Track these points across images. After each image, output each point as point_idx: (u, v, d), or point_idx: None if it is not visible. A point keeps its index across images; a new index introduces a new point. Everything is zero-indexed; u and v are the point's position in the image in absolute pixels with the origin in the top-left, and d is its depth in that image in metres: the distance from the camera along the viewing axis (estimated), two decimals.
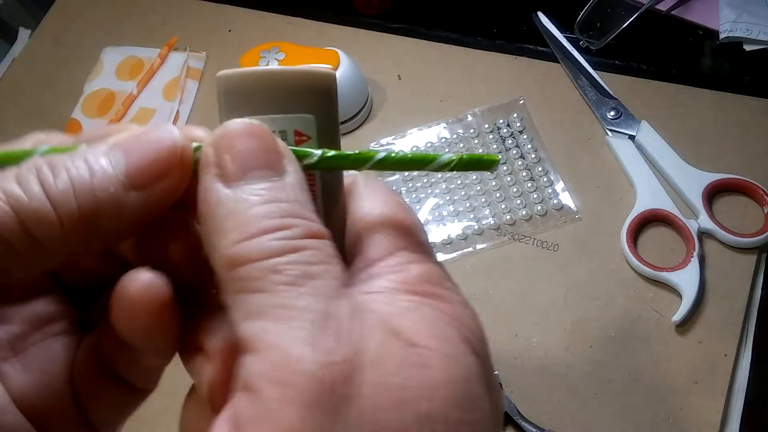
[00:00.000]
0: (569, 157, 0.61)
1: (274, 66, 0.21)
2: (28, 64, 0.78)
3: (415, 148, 0.63)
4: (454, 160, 0.21)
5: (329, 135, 0.22)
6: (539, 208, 0.58)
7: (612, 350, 0.52)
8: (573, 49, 0.65)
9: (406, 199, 0.61)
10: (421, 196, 0.61)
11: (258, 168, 0.19)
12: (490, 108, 0.64)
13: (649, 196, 0.56)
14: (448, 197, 0.60)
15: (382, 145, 0.64)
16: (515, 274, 0.56)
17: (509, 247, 0.57)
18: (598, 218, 0.57)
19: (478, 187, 0.60)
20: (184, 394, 0.23)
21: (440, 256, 0.57)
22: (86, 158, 0.19)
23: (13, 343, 0.22)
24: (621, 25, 0.64)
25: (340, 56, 0.63)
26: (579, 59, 0.64)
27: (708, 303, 0.52)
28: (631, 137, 0.60)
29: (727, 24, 0.64)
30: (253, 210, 0.19)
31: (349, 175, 0.24)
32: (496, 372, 0.52)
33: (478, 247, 0.58)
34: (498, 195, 0.59)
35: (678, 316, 0.51)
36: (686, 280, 0.52)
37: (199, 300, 0.22)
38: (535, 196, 0.59)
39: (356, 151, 0.21)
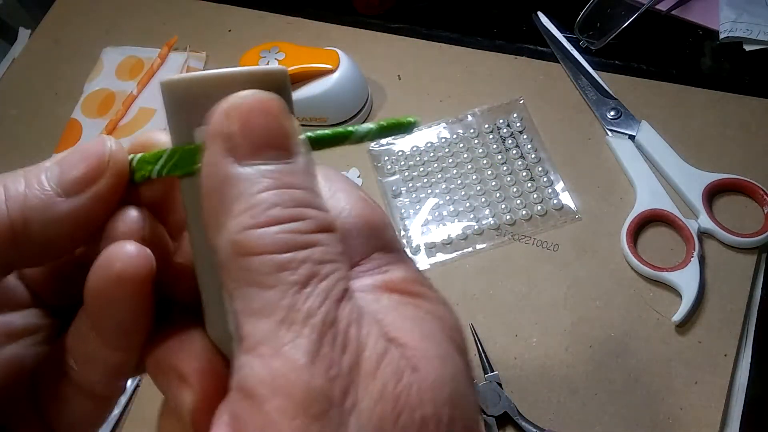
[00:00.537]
0: (569, 157, 0.61)
1: (220, 70, 0.20)
2: (28, 64, 0.78)
3: (415, 148, 0.63)
4: (373, 128, 0.21)
5: None
6: (539, 208, 0.58)
7: (612, 350, 0.52)
8: (573, 49, 0.65)
9: (406, 200, 0.61)
10: (421, 196, 0.61)
11: (271, 148, 0.18)
12: (490, 108, 0.64)
13: (649, 196, 0.56)
14: (448, 197, 0.60)
15: (382, 145, 0.64)
16: (515, 274, 0.56)
17: (509, 247, 0.57)
18: (598, 218, 0.57)
19: (478, 187, 0.60)
20: None
21: (440, 256, 0.57)
22: (25, 174, 0.20)
23: None
24: (621, 25, 0.64)
25: (340, 56, 0.63)
26: (579, 59, 0.64)
27: (708, 303, 0.52)
28: (631, 137, 0.60)
29: (727, 24, 0.64)
30: (266, 195, 0.18)
31: None
32: (496, 372, 0.52)
33: (478, 247, 0.58)
34: (498, 195, 0.59)
35: (678, 316, 0.51)
36: (686, 280, 0.52)
37: (169, 315, 0.21)
38: (535, 196, 0.59)
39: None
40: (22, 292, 0.24)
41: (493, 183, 0.60)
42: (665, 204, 0.56)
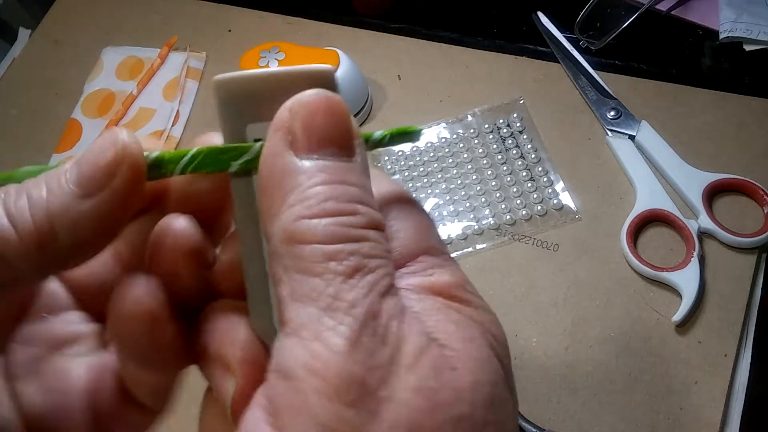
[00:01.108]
0: (569, 157, 0.61)
1: (270, 68, 0.21)
2: (28, 64, 0.78)
3: (415, 148, 0.63)
4: (386, 135, 0.22)
5: None
6: (539, 208, 0.58)
7: (612, 350, 0.52)
8: (573, 49, 0.65)
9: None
10: (421, 196, 0.61)
11: (331, 145, 0.19)
12: (490, 108, 0.64)
13: (649, 196, 0.56)
14: (448, 197, 0.60)
15: None
16: (515, 274, 0.56)
17: (509, 247, 0.57)
18: (598, 218, 0.57)
19: (478, 187, 0.60)
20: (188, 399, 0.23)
21: None
22: (46, 179, 0.20)
23: (31, 363, 0.22)
24: (621, 25, 0.64)
25: (340, 56, 0.63)
26: (579, 59, 0.64)
27: (708, 303, 0.52)
28: (631, 137, 0.60)
29: (727, 24, 0.64)
30: (321, 189, 0.18)
31: None
32: None
33: (478, 247, 0.58)
34: (498, 195, 0.59)
35: (678, 316, 0.51)
36: (686, 280, 0.52)
37: (210, 307, 0.22)
38: (535, 196, 0.59)
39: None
40: (62, 295, 0.24)
41: (493, 183, 0.60)
42: (665, 204, 0.56)
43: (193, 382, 0.23)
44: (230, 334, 0.21)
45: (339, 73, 0.62)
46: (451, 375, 0.18)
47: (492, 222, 0.58)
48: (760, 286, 0.53)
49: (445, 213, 0.59)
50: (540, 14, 0.68)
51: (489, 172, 0.61)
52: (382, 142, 0.22)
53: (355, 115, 0.65)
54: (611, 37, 0.64)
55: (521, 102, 0.64)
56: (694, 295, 0.51)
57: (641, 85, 0.63)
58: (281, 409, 0.17)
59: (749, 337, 0.52)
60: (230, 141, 0.21)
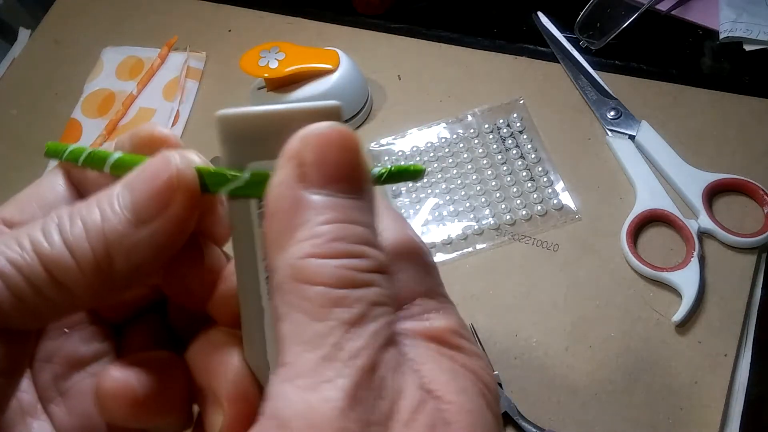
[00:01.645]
0: (569, 157, 0.61)
1: (276, 106, 0.20)
2: (28, 64, 0.78)
3: (415, 148, 0.63)
4: (383, 172, 0.21)
5: None
6: (539, 208, 0.58)
7: (612, 350, 0.52)
8: (573, 49, 0.65)
9: (406, 200, 0.61)
10: (421, 196, 0.61)
11: (342, 181, 0.19)
12: (490, 108, 0.64)
13: (649, 196, 0.56)
14: (448, 197, 0.60)
15: (382, 145, 0.64)
16: (515, 274, 0.56)
17: (509, 247, 0.57)
18: (598, 218, 0.57)
19: (478, 187, 0.60)
20: None
21: (440, 256, 0.57)
22: (98, 203, 0.20)
23: (56, 383, 0.23)
24: (621, 25, 0.64)
25: (340, 56, 0.63)
26: (579, 59, 0.64)
27: (708, 303, 0.52)
28: (631, 137, 0.60)
29: (727, 24, 0.64)
30: (330, 227, 0.18)
31: None
32: (496, 372, 0.52)
33: (478, 247, 0.58)
34: (498, 195, 0.59)
35: (678, 316, 0.51)
36: (686, 280, 0.52)
37: (205, 335, 0.22)
38: (535, 196, 0.59)
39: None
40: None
41: (493, 183, 0.60)
42: (665, 204, 0.56)
43: None
44: (221, 367, 0.20)
45: (339, 73, 0.62)
46: (445, 430, 0.18)
47: (492, 222, 0.58)
48: (760, 286, 0.53)
49: (445, 213, 0.59)
50: (540, 14, 0.68)
51: (489, 172, 0.61)
52: (379, 180, 0.21)
53: (355, 115, 0.65)
54: (611, 37, 0.64)
55: (521, 102, 0.64)
56: (694, 295, 0.51)
57: (641, 85, 0.63)
58: None
59: (749, 337, 0.52)
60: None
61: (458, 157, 0.62)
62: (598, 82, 0.63)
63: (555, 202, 0.58)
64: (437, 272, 0.22)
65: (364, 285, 0.18)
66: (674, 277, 0.52)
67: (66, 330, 0.23)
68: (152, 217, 0.19)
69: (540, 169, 0.60)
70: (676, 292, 0.53)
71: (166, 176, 0.19)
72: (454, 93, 0.66)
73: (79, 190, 0.23)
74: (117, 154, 0.21)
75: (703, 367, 0.50)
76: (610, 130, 0.61)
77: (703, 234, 0.55)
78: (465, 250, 0.58)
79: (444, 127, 0.64)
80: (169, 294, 0.23)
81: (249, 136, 0.20)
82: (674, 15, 0.66)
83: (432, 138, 0.63)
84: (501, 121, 0.63)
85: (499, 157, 0.61)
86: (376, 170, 0.21)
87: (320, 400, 0.16)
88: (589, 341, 0.52)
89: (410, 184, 0.61)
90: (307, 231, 0.18)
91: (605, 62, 0.65)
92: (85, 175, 0.23)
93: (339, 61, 0.62)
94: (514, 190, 0.59)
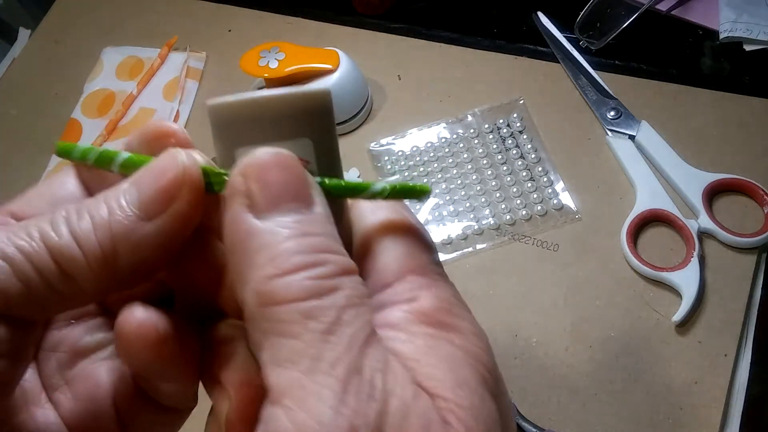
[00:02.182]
0: (569, 157, 0.61)
1: (265, 91, 0.20)
2: (28, 64, 0.78)
3: (415, 148, 0.63)
4: (387, 188, 0.22)
5: (329, 156, 0.21)
6: (539, 208, 0.58)
7: (612, 350, 0.52)
8: (573, 49, 0.65)
9: (406, 200, 0.61)
10: None
11: (288, 200, 0.19)
12: (490, 108, 0.64)
13: (649, 196, 0.56)
14: (448, 197, 0.60)
15: (382, 145, 0.64)
16: (515, 274, 0.56)
17: (509, 247, 0.57)
18: (598, 218, 0.57)
19: (478, 187, 0.60)
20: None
21: (440, 256, 0.57)
22: (105, 199, 0.20)
23: (62, 371, 0.23)
24: (621, 25, 0.64)
25: (340, 56, 0.63)
26: (579, 59, 0.64)
27: (708, 303, 0.52)
28: (631, 137, 0.60)
29: (727, 24, 0.64)
30: (286, 244, 0.18)
31: None
32: None
33: (478, 247, 0.58)
34: (498, 195, 0.59)
35: (678, 316, 0.51)
36: (686, 280, 0.52)
37: (217, 326, 0.22)
38: (535, 196, 0.59)
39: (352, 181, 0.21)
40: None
41: (493, 183, 0.60)
42: (665, 204, 0.56)
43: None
44: (228, 355, 0.21)
45: (339, 73, 0.62)
46: (443, 429, 0.17)
47: (492, 222, 0.58)
48: (760, 286, 0.53)
49: (445, 213, 0.59)
50: (540, 14, 0.68)
51: (489, 172, 0.61)
52: (381, 195, 0.21)
53: (355, 115, 0.65)
54: (611, 37, 0.64)
55: (521, 102, 0.64)
56: (694, 295, 0.51)
57: (641, 85, 0.63)
58: None
59: (749, 337, 0.52)
60: (223, 164, 0.21)
61: (458, 157, 0.62)
62: (598, 82, 0.63)
63: (555, 202, 0.58)
64: (433, 251, 0.22)
65: (331, 291, 0.18)
66: (674, 277, 0.52)
67: (72, 321, 0.24)
68: (158, 213, 0.20)
69: (540, 169, 0.60)
70: (676, 292, 0.53)
71: (173, 173, 0.20)
72: (454, 93, 0.66)
73: (89, 189, 0.24)
74: (125, 154, 0.21)
75: (703, 367, 0.50)
76: (610, 130, 0.61)
77: (703, 234, 0.55)
78: (465, 250, 0.58)
79: (444, 127, 0.64)
80: (175, 288, 0.23)
81: (240, 122, 0.20)
82: (674, 15, 0.66)
83: (432, 138, 0.63)
84: (501, 121, 0.63)
85: (499, 157, 0.61)
86: (379, 186, 0.21)
87: (308, 416, 0.17)
88: (589, 341, 0.52)
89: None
90: (266, 254, 0.18)
91: (605, 62, 0.65)
92: (95, 174, 0.23)
93: (339, 61, 0.62)
94: (514, 190, 0.59)
